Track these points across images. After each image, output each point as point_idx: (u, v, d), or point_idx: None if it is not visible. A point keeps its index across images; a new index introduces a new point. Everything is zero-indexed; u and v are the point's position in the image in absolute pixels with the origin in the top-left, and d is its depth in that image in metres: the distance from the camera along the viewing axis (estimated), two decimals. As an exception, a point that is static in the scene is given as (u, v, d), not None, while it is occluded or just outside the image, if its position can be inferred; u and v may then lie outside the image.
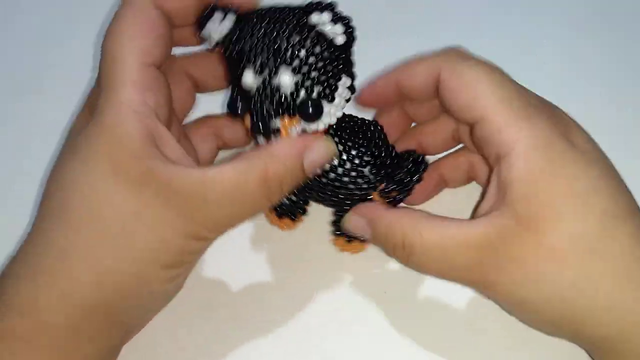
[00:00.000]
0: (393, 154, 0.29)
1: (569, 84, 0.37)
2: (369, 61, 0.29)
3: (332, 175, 0.28)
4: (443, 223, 0.26)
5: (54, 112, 0.37)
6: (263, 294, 0.31)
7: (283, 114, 0.26)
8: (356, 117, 0.30)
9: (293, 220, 0.32)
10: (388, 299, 0.31)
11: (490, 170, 0.27)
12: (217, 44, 0.26)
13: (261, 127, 0.26)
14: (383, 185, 0.29)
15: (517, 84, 0.27)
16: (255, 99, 0.26)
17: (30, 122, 0.37)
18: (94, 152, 0.24)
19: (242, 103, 0.26)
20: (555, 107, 0.27)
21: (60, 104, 0.37)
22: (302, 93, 0.26)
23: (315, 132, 0.26)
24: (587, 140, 0.26)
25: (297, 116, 0.26)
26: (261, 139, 0.26)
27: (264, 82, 0.25)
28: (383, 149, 0.29)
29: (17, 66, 0.39)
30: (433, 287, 0.31)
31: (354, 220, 0.28)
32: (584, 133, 0.27)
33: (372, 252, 0.32)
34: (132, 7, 0.26)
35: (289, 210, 0.31)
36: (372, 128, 0.29)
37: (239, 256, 0.33)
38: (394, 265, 0.32)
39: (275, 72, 0.25)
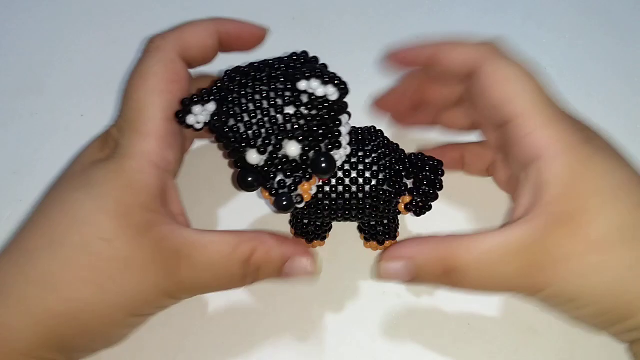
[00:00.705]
0: (402, 157, 0.29)
1: (567, 87, 0.37)
2: (369, 63, 0.29)
3: (348, 195, 0.28)
4: (485, 237, 0.25)
5: (54, 112, 0.37)
6: (260, 294, 0.31)
7: (300, 182, 0.26)
8: (357, 128, 0.29)
9: (308, 242, 0.32)
10: (387, 298, 0.31)
11: (507, 172, 0.28)
12: (205, 124, 0.26)
13: (287, 205, 0.25)
14: (407, 197, 0.29)
15: (548, 90, 0.27)
16: (267, 173, 0.25)
17: (31, 122, 0.37)
18: (106, 193, 0.25)
19: (251, 177, 0.26)
20: (576, 115, 0.28)
21: (60, 104, 0.37)
22: (311, 153, 0.25)
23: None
24: (606, 141, 0.27)
25: (314, 176, 0.26)
26: (287, 211, 0.26)
27: (271, 157, 0.25)
28: (392, 155, 0.29)
29: (17, 66, 0.39)
30: (432, 287, 0.31)
31: (391, 269, 0.26)
32: (602, 135, 0.27)
33: (370, 251, 0.32)
34: (158, 55, 0.27)
35: (309, 234, 0.31)
36: (374, 137, 0.29)
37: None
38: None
39: (281, 147, 0.25)
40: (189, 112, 0.26)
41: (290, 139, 0.25)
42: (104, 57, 0.39)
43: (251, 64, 0.27)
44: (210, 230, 0.26)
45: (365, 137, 0.29)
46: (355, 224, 0.32)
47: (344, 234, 0.33)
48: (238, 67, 0.27)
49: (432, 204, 0.29)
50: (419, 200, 0.28)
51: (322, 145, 0.26)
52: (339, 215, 0.29)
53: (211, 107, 0.26)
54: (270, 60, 0.27)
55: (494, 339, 0.30)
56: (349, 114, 0.27)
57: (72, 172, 0.27)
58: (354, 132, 0.29)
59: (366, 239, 0.31)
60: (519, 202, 0.27)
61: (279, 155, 0.25)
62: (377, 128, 0.30)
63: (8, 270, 0.25)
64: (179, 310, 0.31)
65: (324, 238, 0.32)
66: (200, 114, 0.26)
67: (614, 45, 0.39)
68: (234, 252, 0.25)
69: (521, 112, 0.26)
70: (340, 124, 0.26)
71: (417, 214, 0.29)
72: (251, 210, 0.33)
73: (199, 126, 0.26)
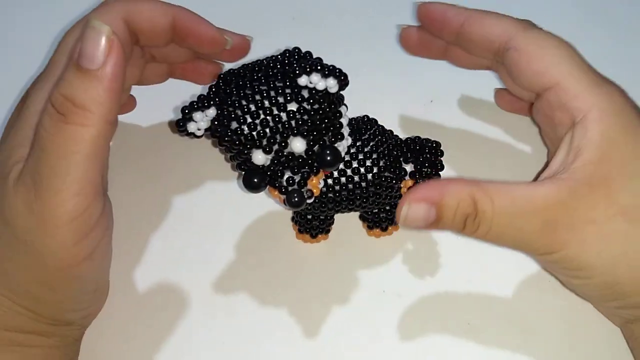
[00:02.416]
0: (399, 142, 0.29)
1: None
2: (369, 63, 0.29)
3: (352, 185, 0.28)
4: (512, 187, 0.25)
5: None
6: (260, 294, 0.31)
7: (308, 177, 0.26)
8: (352, 118, 0.29)
9: (313, 237, 0.32)
10: (386, 298, 0.31)
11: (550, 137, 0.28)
12: (206, 130, 0.26)
13: (298, 201, 0.25)
14: (410, 182, 0.29)
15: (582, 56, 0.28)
16: (273, 172, 0.26)
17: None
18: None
19: (257, 178, 0.26)
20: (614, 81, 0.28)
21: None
22: (316, 147, 0.26)
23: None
24: None
25: (321, 170, 0.26)
26: (299, 207, 0.26)
27: (277, 156, 0.25)
28: (389, 142, 0.29)
29: (17, 66, 0.39)
30: (432, 286, 0.31)
31: (413, 210, 0.25)
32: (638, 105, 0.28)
33: (370, 251, 0.32)
34: (98, 13, 0.27)
35: (313, 229, 0.31)
36: (369, 125, 0.29)
37: (235, 257, 0.33)
38: (392, 263, 0.32)
39: (286, 145, 0.25)
40: (190, 119, 0.26)
41: (295, 135, 0.25)
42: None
43: (244, 66, 0.27)
44: None
45: (360, 127, 0.29)
46: (356, 219, 0.32)
47: (344, 234, 0.33)
48: (231, 70, 0.27)
49: None
50: (425, 170, 0.28)
51: (327, 139, 0.26)
52: (343, 206, 0.29)
53: (211, 112, 0.26)
54: (263, 59, 0.27)
55: (494, 338, 0.30)
56: (346, 106, 0.27)
57: None
58: (350, 122, 0.29)
59: (369, 227, 0.31)
60: (555, 160, 0.27)
61: (285, 153, 0.25)
62: (370, 117, 0.30)
63: None
64: (179, 310, 0.31)
65: (328, 231, 0.32)
66: (201, 121, 0.26)
67: (614, 46, 0.39)
68: None
69: (563, 78, 0.26)
70: (341, 116, 0.26)
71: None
72: (251, 210, 0.34)
73: (200, 133, 0.26)
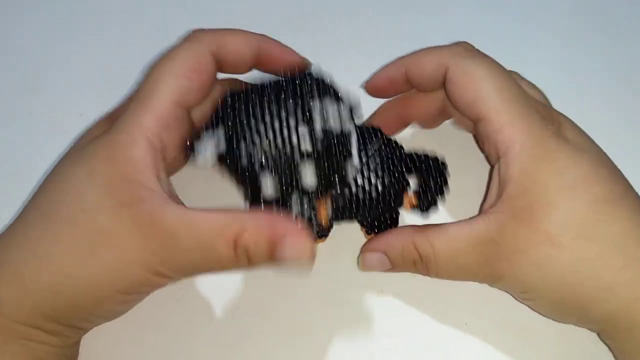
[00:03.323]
0: (403, 155, 0.29)
1: (562, 88, 0.37)
2: (366, 65, 0.29)
3: (355, 203, 0.28)
4: (449, 229, 0.27)
5: (52, 111, 0.37)
6: (259, 293, 0.31)
7: (315, 201, 0.26)
8: (356, 127, 0.29)
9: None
10: (384, 298, 0.31)
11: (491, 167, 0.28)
12: (218, 158, 0.25)
13: (315, 229, 0.26)
14: (413, 199, 0.29)
15: (517, 84, 0.28)
16: (283, 203, 0.25)
17: (30, 122, 0.37)
18: (94, 166, 0.25)
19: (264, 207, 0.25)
20: (550, 107, 0.29)
21: (58, 104, 0.37)
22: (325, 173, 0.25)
23: None
24: (579, 134, 0.28)
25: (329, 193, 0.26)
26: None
27: (287, 189, 0.25)
28: (394, 154, 0.29)
29: (15, 66, 0.39)
30: (429, 286, 0.31)
31: (368, 261, 0.29)
32: (576, 128, 0.28)
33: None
34: (188, 45, 0.27)
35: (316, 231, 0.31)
36: (373, 137, 0.29)
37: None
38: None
39: (297, 185, 0.25)
40: (198, 151, 0.25)
41: (305, 170, 0.25)
42: (103, 56, 0.39)
43: (251, 90, 0.26)
44: (201, 208, 0.25)
45: (366, 139, 0.29)
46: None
47: (343, 234, 0.33)
48: (236, 95, 0.26)
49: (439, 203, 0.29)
50: (425, 203, 0.29)
51: (336, 162, 0.25)
52: (345, 218, 0.29)
53: (221, 142, 0.25)
54: (270, 82, 0.26)
55: (491, 339, 0.30)
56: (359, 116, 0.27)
57: (73, 148, 0.27)
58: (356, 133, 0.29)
59: (367, 232, 0.32)
60: (488, 195, 0.28)
61: (294, 185, 0.25)
62: (376, 126, 0.30)
63: (7, 244, 0.25)
64: (179, 310, 0.31)
65: (327, 236, 0.32)
66: (208, 151, 0.25)
67: (612, 46, 0.39)
68: (222, 231, 0.24)
69: (489, 111, 0.27)
70: (350, 135, 0.25)
71: (423, 215, 0.30)
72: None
73: (208, 165, 0.25)
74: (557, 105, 0.30)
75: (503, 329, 0.30)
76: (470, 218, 0.27)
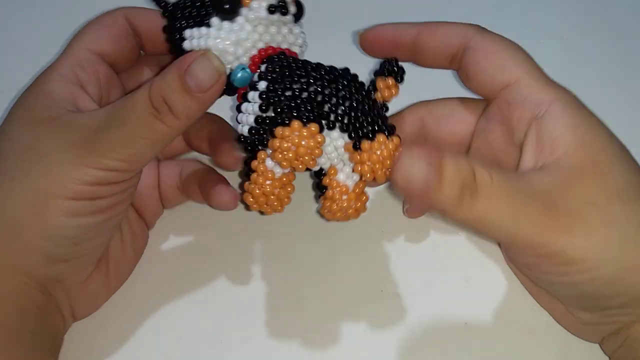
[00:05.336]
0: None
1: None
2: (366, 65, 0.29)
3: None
4: (510, 171, 0.26)
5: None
6: (259, 293, 0.31)
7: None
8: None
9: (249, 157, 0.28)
10: (384, 297, 0.31)
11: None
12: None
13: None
14: (382, 81, 0.28)
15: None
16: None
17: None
18: (20, 102, 0.28)
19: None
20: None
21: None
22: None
23: None
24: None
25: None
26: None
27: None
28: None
29: (14, 66, 0.39)
30: (429, 286, 0.31)
31: (408, 166, 0.23)
32: None
33: (369, 250, 0.32)
34: (107, 13, 0.30)
35: (249, 143, 0.27)
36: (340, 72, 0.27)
37: (229, 254, 0.33)
38: (390, 262, 0.32)
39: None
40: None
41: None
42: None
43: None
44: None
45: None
46: (355, 221, 0.31)
47: (343, 234, 0.33)
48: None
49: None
50: (396, 75, 0.28)
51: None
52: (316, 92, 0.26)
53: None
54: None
55: (491, 339, 0.30)
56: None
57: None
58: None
59: (355, 147, 0.26)
60: (525, 159, 0.26)
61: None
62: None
63: None
64: (178, 309, 0.31)
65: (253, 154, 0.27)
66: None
67: (612, 47, 0.39)
68: (135, 96, 0.25)
69: (523, 74, 0.27)
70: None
71: (397, 79, 0.28)
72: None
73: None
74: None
75: (503, 329, 0.30)
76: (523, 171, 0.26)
